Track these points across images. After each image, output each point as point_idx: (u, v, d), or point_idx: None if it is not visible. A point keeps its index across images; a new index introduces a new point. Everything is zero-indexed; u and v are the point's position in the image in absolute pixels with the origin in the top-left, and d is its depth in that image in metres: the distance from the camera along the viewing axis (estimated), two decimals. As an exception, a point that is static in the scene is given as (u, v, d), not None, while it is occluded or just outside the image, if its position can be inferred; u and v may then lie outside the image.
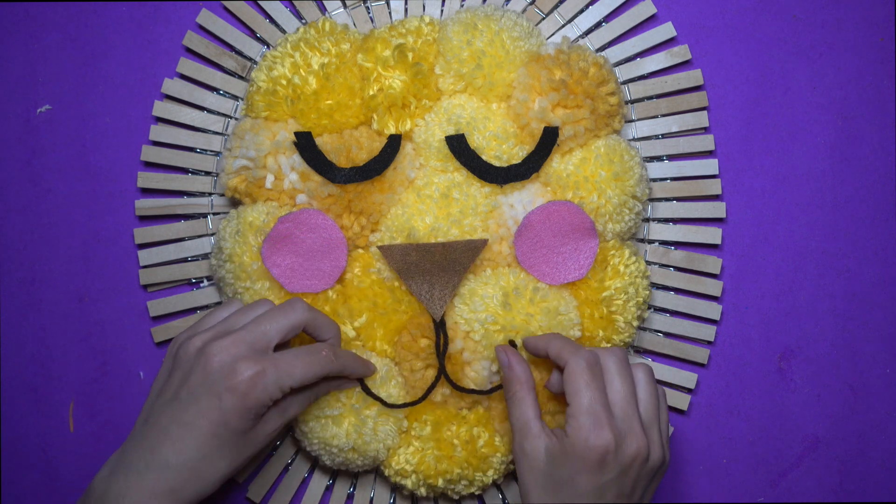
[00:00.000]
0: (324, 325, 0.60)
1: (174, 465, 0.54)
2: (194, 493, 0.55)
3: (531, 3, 0.69)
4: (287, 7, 0.69)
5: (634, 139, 0.69)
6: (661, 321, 0.69)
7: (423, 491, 0.66)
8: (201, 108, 0.69)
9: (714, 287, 0.69)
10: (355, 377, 0.63)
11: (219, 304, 0.69)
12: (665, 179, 0.69)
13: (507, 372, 0.60)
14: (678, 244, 0.69)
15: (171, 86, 0.69)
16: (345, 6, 0.69)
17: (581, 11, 0.69)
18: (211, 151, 0.69)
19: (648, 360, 0.69)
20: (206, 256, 0.69)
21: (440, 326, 0.64)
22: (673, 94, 0.69)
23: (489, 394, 0.64)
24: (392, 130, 0.65)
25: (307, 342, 0.63)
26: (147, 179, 0.69)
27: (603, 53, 0.69)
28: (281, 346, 0.59)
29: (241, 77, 0.69)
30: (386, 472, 0.66)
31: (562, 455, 0.56)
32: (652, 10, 0.69)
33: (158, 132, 0.69)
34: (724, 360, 0.70)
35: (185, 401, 0.55)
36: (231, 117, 0.69)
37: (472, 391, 0.64)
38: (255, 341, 0.56)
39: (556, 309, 0.64)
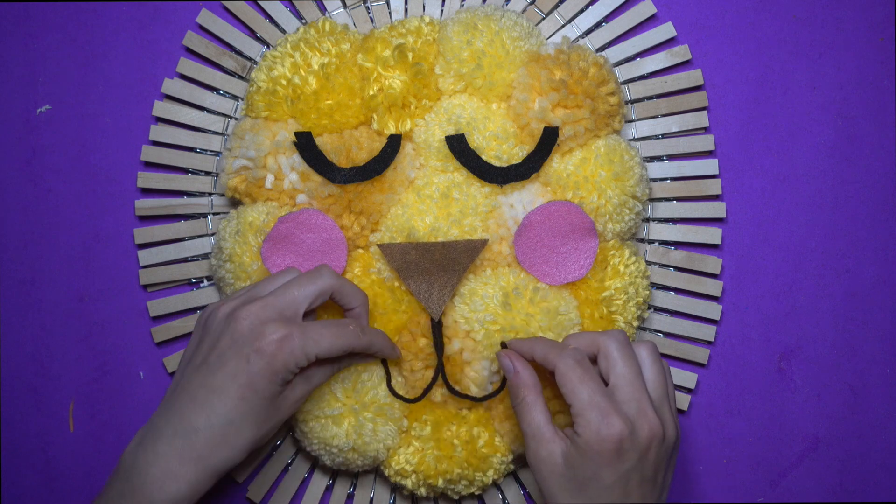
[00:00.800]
0: (351, 292, 0.60)
1: (202, 430, 0.54)
2: (221, 460, 0.55)
3: (531, 3, 0.69)
4: (287, 7, 0.69)
5: (634, 139, 0.69)
6: (661, 321, 0.69)
7: (423, 491, 0.66)
8: (201, 108, 0.69)
9: (714, 287, 0.69)
10: (380, 356, 0.63)
11: (219, 304, 0.69)
12: (665, 179, 0.69)
13: (513, 378, 0.58)
14: (678, 244, 0.69)
15: (171, 86, 0.69)
16: (345, 6, 0.69)
17: (581, 11, 0.69)
18: (211, 151, 0.69)
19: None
20: (206, 256, 0.69)
21: (438, 326, 0.64)
22: (673, 94, 0.69)
23: (481, 401, 0.64)
24: (392, 130, 0.65)
25: (336, 316, 0.64)
26: (147, 179, 0.69)
27: (603, 53, 0.69)
28: (308, 316, 0.60)
29: (241, 77, 0.69)
30: (386, 472, 0.66)
31: (579, 455, 0.54)
32: (652, 10, 0.69)
33: (158, 132, 0.69)
34: (724, 360, 0.70)
35: (214, 365, 0.55)
36: (231, 117, 0.69)
37: (466, 396, 0.64)
38: (283, 307, 0.57)
39: (556, 309, 0.64)
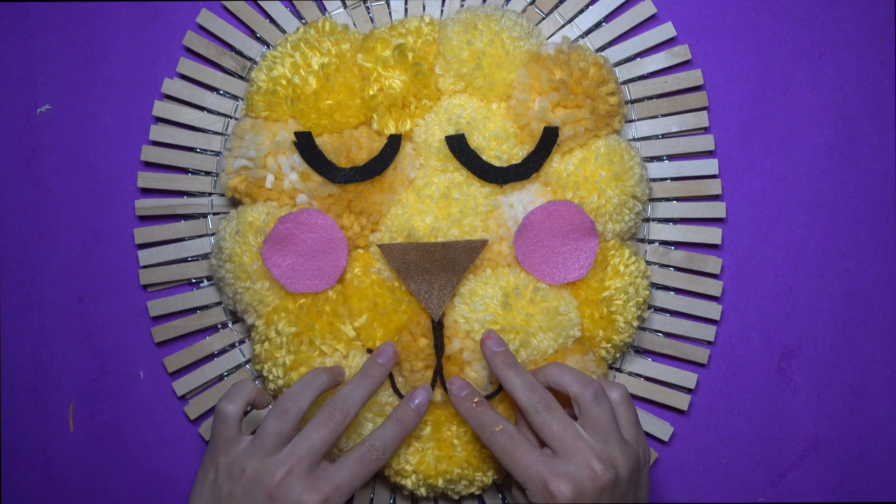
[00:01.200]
0: (320, 386, 0.61)
1: None
2: None
3: (531, 3, 0.69)
4: (287, 7, 0.69)
5: (634, 139, 0.69)
6: (661, 321, 0.69)
7: (423, 491, 0.66)
8: (201, 108, 0.69)
9: (714, 287, 0.69)
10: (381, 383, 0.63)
11: (218, 304, 0.69)
12: (665, 179, 0.69)
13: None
14: (678, 244, 0.69)
15: (171, 86, 0.69)
16: (345, 6, 0.69)
17: (581, 11, 0.69)
18: (211, 151, 0.69)
19: (648, 360, 0.69)
20: (206, 256, 0.69)
21: (438, 327, 0.64)
22: (673, 94, 0.69)
23: None
24: (392, 130, 0.65)
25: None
26: (147, 179, 0.69)
27: (603, 53, 0.69)
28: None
29: (241, 77, 0.69)
30: (386, 472, 0.66)
31: None
32: (652, 10, 0.69)
33: (158, 132, 0.69)
34: (724, 360, 0.70)
35: None
36: (231, 117, 0.69)
37: None
38: (309, 466, 0.57)
39: (556, 309, 0.64)
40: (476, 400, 0.61)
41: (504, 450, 0.58)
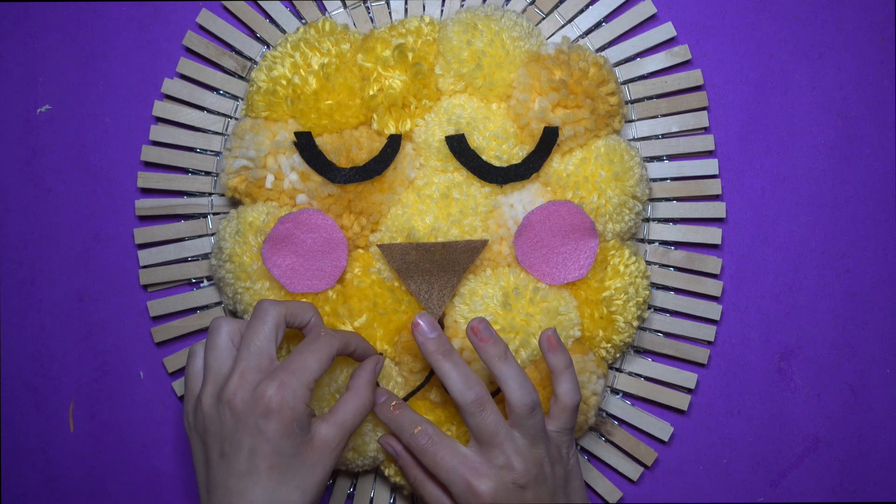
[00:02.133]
0: (298, 309, 0.59)
1: None
2: None
3: (531, 3, 0.69)
4: (287, 7, 0.69)
5: (634, 139, 0.69)
6: (661, 321, 0.69)
7: (423, 491, 0.66)
8: (201, 108, 0.69)
9: (714, 287, 0.69)
10: (364, 354, 0.62)
11: (218, 303, 0.69)
12: (665, 179, 0.69)
13: (398, 462, 0.63)
14: (678, 244, 0.69)
15: (171, 86, 0.69)
16: (345, 6, 0.69)
17: (581, 11, 0.69)
18: (211, 151, 0.69)
19: (648, 360, 0.69)
20: (206, 256, 0.69)
21: (439, 326, 0.64)
22: (673, 94, 0.69)
23: None
24: (392, 130, 0.65)
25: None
26: (147, 179, 0.69)
27: (603, 53, 0.69)
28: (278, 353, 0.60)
29: (241, 77, 0.69)
30: (386, 472, 0.66)
31: None
32: (652, 10, 0.69)
33: (158, 132, 0.69)
34: (724, 360, 0.70)
35: (231, 452, 0.54)
36: (231, 117, 0.69)
37: None
38: (258, 363, 0.55)
39: (556, 309, 0.64)
40: (394, 403, 0.62)
41: (425, 452, 0.59)
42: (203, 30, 0.69)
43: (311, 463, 0.55)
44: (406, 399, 0.65)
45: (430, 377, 0.65)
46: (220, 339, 0.57)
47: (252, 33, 0.69)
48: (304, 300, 0.64)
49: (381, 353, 0.63)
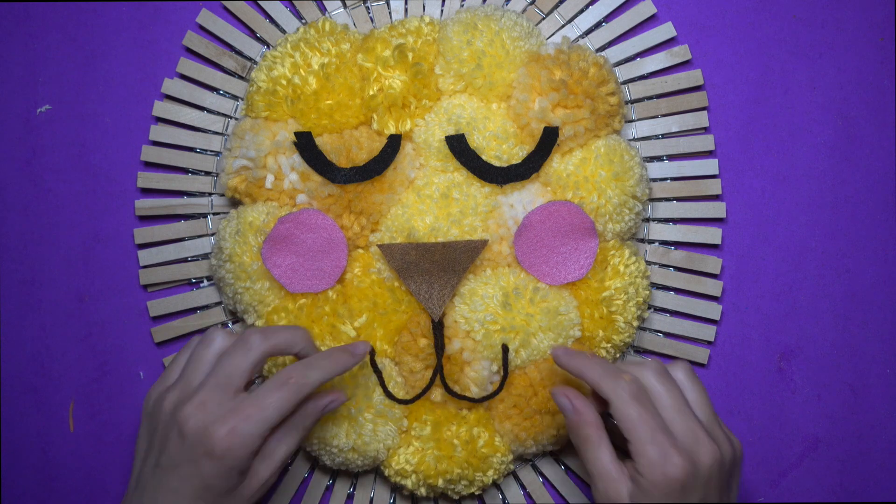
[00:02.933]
0: (287, 341, 0.58)
1: None
2: None
3: (531, 3, 0.69)
4: (287, 7, 0.69)
5: (634, 139, 0.69)
6: (661, 321, 0.69)
7: (423, 491, 0.66)
8: (201, 108, 0.69)
9: (714, 287, 0.69)
10: (341, 373, 0.60)
11: (218, 303, 0.69)
12: (665, 179, 0.69)
13: (573, 416, 0.56)
14: (678, 244, 0.69)
15: (171, 86, 0.69)
16: (345, 6, 0.69)
17: (581, 11, 0.69)
18: (211, 151, 0.69)
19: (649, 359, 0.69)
20: (206, 256, 0.69)
21: (438, 327, 0.64)
22: (673, 94, 0.69)
23: (480, 402, 0.64)
24: (392, 130, 0.65)
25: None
26: (147, 179, 0.69)
27: (603, 53, 0.69)
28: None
29: (241, 77, 0.69)
30: (386, 472, 0.66)
31: (644, 495, 0.53)
32: (652, 10, 0.69)
33: (158, 132, 0.69)
34: (724, 360, 0.70)
35: (167, 467, 0.54)
36: (231, 117, 0.69)
37: (464, 398, 0.64)
38: (222, 396, 0.55)
39: (556, 309, 0.64)
40: (590, 353, 0.58)
41: (631, 403, 0.54)
42: (203, 30, 0.69)
43: (240, 497, 0.56)
44: (412, 401, 0.65)
45: (434, 380, 0.64)
46: (206, 352, 0.58)
47: (252, 33, 0.69)
48: (303, 300, 0.64)
49: (345, 395, 0.61)
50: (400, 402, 0.65)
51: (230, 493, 0.55)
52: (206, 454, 0.53)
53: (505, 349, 0.64)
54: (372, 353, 0.65)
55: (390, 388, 0.65)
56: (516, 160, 0.65)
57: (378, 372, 0.64)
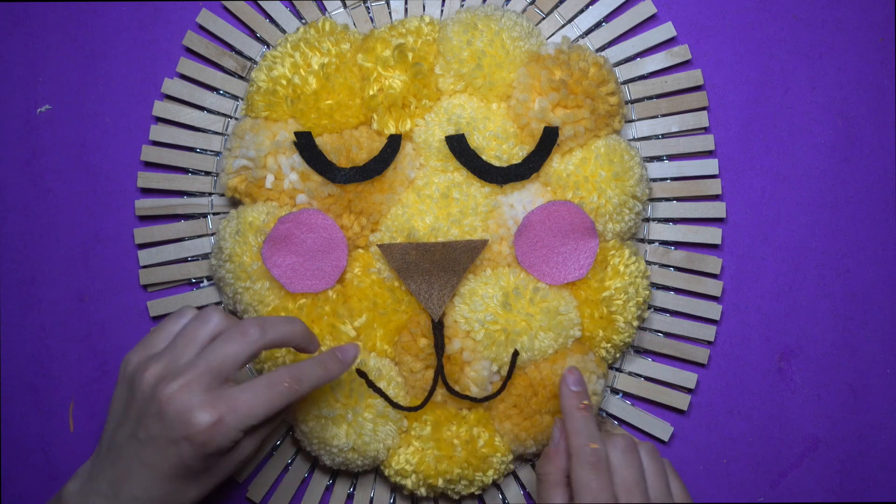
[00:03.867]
0: (285, 335, 0.56)
1: (141, 499, 0.53)
2: None
3: (531, 3, 0.69)
4: (287, 7, 0.69)
5: (634, 139, 0.69)
6: (661, 321, 0.69)
7: (423, 491, 0.66)
8: (201, 108, 0.69)
9: (714, 287, 0.69)
10: (332, 381, 0.59)
11: (218, 303, 0.69)
12: (665, 179, 0.69)
13: (550, 449, 0.61)
14: (678, 244, 0.69)
15: (171, 86, 0.69)
16: (345, 6, 0.69)
17: (581, 11, 0.69)
18: (211, 151, 0.69)
19: (648, 360, 0.69)
20: (206, 256, 0.69)
21: (438, 327, 0.64)
22: (673, 94, 0.69)
23: (481, 402, 0.64)
24: (392, 130, 0.65)
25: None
26: (147, 179, 0.69)
27: (603, 53, 0.69)
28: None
29: (241, 77, 0.69)
30: (386, 472, 0.66)
31: None
32: (652, 10, 0.69)
33: (158, 132, 0.69)
34: (724, 360, 0.70)
35: (144, 441, 0.53)
36: (231, 117, 0.69)
37: (465, 397, 0.64)
38: (210, 380, 0.53)
39: (556, 309, 0.64)
40: (585, 403, 0.60)
41: (590, 468, 0.57)
42: (203, 30, 0.69)
43: (218, 471, 0.55)
44: (419, 408, 0.65)
45: (436, 382, 0.64)
46: (200, 331, 0.55)
47: (252, 33, 0.69)
48: (303, 300, 0.64)
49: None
50: (408, 409, 0.64)
51: (208, 469, 0.54)
52: (185, 438, 0.52)
53: (515, 353, 0.63)
54: (366, 375, 0.64)
55: (391, 388, 0.65)
56: (516, 160, 0.65)
57: (378, 390, 0.64)
